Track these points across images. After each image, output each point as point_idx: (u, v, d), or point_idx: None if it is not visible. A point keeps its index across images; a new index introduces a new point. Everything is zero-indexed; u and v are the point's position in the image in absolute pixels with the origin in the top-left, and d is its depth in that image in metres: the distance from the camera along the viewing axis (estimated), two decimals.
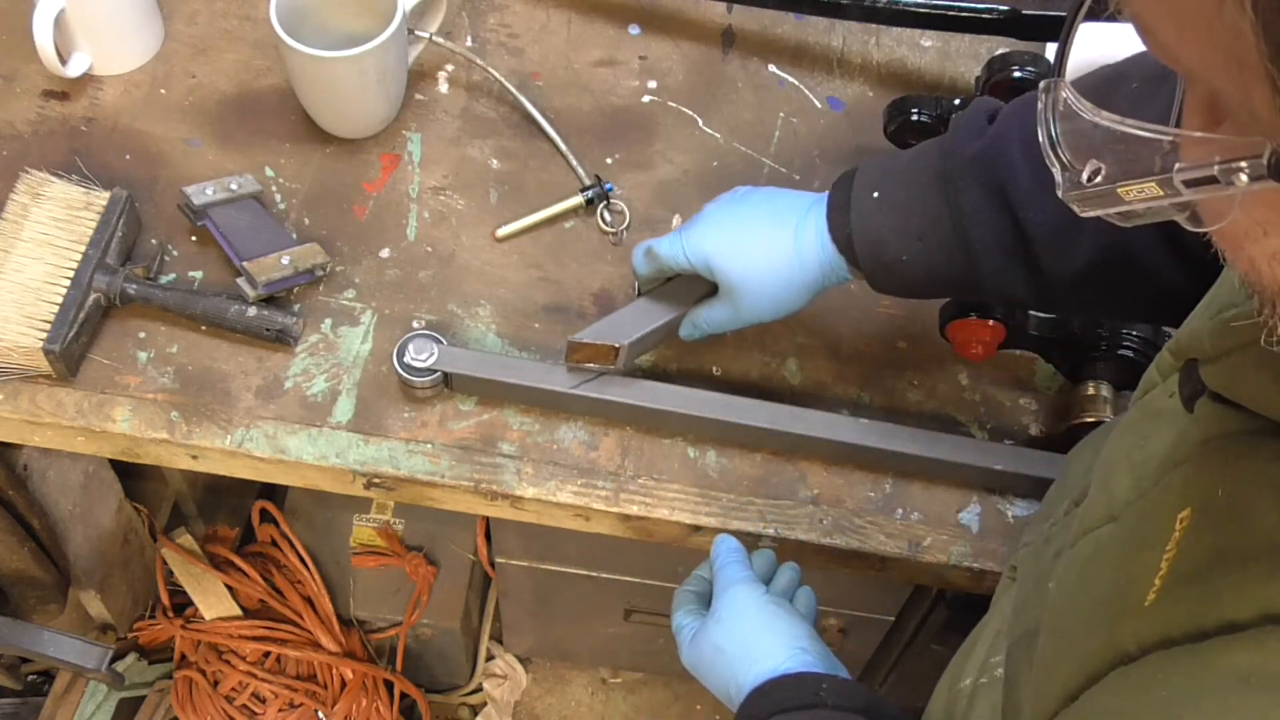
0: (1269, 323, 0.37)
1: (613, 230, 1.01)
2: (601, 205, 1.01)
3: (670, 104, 1.08)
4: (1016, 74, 0.94)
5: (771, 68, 1.11)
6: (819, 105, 1.09)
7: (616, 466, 0.90)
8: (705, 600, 0.82)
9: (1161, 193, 0.36)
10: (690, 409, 0.89)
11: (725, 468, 0.91)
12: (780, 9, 1.07)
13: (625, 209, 1.01)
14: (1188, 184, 0.35)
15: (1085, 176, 0.39)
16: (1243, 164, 0.33)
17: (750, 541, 0.90)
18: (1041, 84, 0.42)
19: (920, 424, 0.91)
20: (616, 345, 0.86)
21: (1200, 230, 0.37)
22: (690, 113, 1.07)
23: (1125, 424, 0.61)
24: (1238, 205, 0.35)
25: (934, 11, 1.02)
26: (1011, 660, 0.65)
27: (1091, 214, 0.40)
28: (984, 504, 0.91)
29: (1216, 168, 0.34)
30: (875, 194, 0.76)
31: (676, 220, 1.02)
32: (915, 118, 0.98)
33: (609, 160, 1.04)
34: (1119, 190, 0.38)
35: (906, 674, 1.20)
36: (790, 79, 1.10)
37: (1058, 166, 0.41)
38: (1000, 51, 0.97)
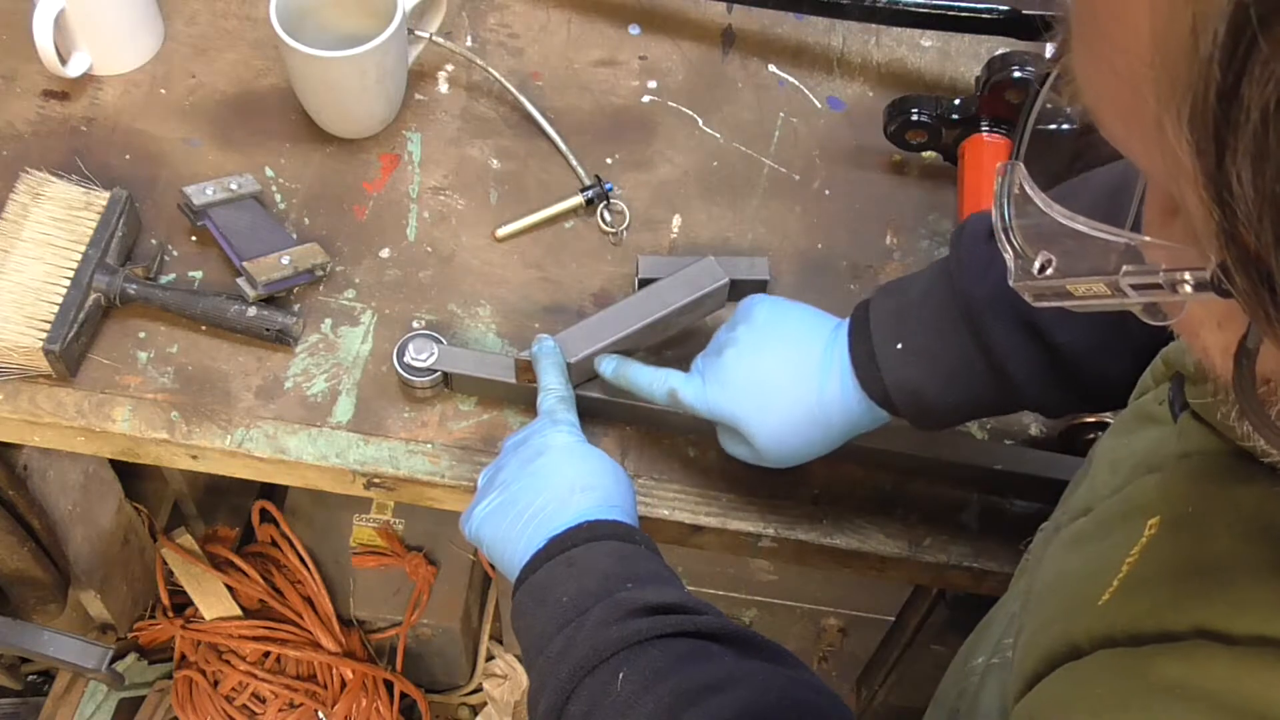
0: (1224, 405, 0.37)
1: (613, 230, 1.01)
2: (601, 205, 1.01)
3: (670, 104, 1.08)
4: (1016, 74, 0.94)
5: (771, 68, 1.11)
6: (819, 105, 1.09)
7: None
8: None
9: (1109, 292, 0.36)
10: None
11: (725, 468, 0.91)
12: (780, 9, 1.07)
13: (625, 209, 1.01)
14: (1135, 287, 0.35)
15: (1036, 267, 0.39)
16: (1186, 275, 0.32)
17: (750, 542, 0.90)
18: (999, 165, 0.41)
19: None
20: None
21: (1158, 324, 0.37)
22: (690, 113, 1.07)
23: (1119, 420, 0.63)
24: (1191, 301, 0.35)
25: (934, 11, 1.02)
26: None
27: (1043, 305, 0.39)
28: (984, 504, 0.91)
29: (1161, 275, 0.34)
30: (899, 345, 0.74)
31: (677, 221, 1.02)
32: (915, 118, 0.98)
33: (609, 160, 1.04)
34: (1068, 285, 0.38)
35: (906, 674, 1.20)
36: (790, 79, 1.10)
37: (1010, 253, 0.40)
38: (1000, 51, 0.97)
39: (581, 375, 0.87)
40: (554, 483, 0.74)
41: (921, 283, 0.75)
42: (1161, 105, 0.29)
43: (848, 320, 0.77)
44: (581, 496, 0.73)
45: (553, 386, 0.84)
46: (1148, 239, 0.35)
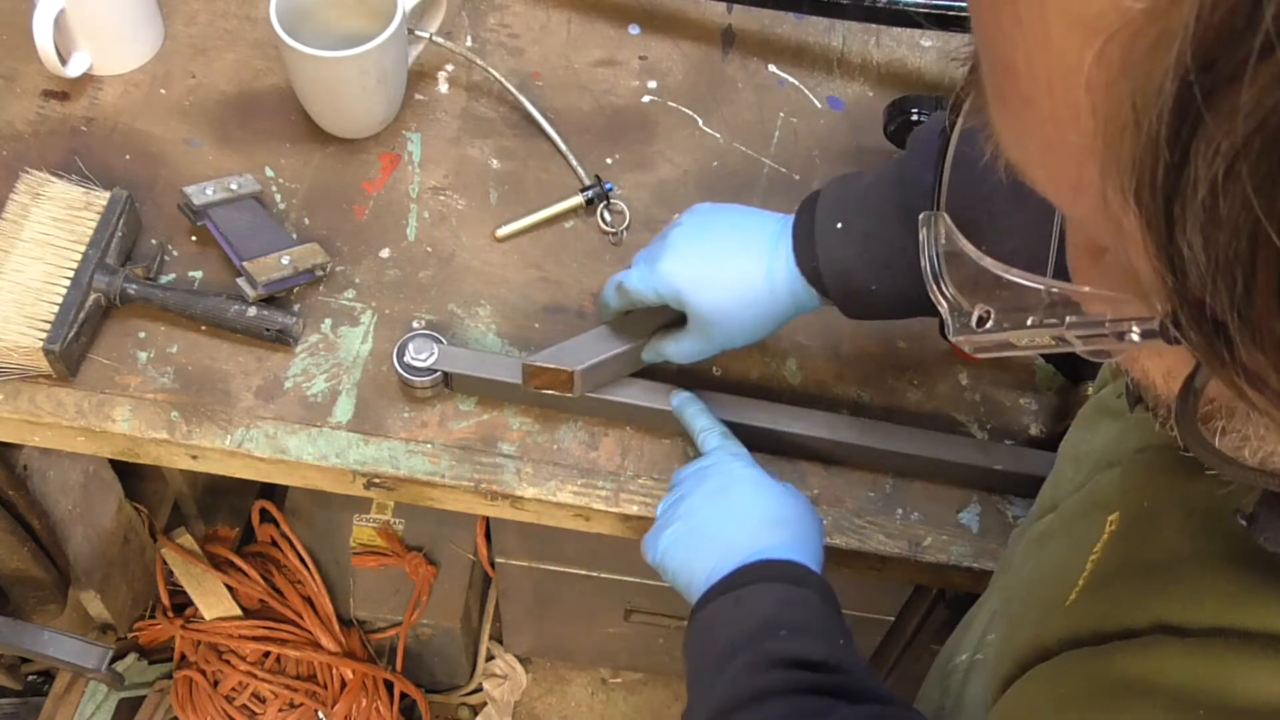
0: (1165, 422, 0.37)
1: (613, 230, 1.01)
2: (601, 205, 1.01)
3: (670, 104, 1.08)
4: None
5: (771, 68, 1.11)
6: (819, 105, 1.09)
7: (616, 466, 0.90)
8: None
9: (1052, 342, 0.35)
10: None
11: None
12: (780, 9, 1.07)
13: (625, 209, 1.01)
14: (1081, 338, 0.34)
15: (974, 320, 0.37)
16: (1134, 326, 0.32)
17: None
18: (921, 216, 0.40)
19: (920, 424, 0.91)
20: (570, 370, 0.85)
21: (1101, 360, 0.37)
22: (690, 113, 1.07)
23: (1081, 414, 0.63)
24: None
25: (934, 11, 1.02)
26: None
27: (984, 356, 0.38)
28: (984, 504, 0.91)
29: (1107, 326, 0.33)
30: (839, 224, 0.75)
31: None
32: (915, 118, 0.98)
33: (609, 160, 1.04)
34: (1010, 338, 0.36)
35: (906, 674, 1.20)
36: (790, 79, 1.10)
37: (944, 304, 0.39)
38: None
39: (588, 386, 0.87)
40: (745, 515, 0.76)
41: (876, 171, 0.77)
42: (1105, 179, 0.28)
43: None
44: (771, 533, 0.74)
45: (709, 426, 0.85)
46: (1088, 289, 0.34)
